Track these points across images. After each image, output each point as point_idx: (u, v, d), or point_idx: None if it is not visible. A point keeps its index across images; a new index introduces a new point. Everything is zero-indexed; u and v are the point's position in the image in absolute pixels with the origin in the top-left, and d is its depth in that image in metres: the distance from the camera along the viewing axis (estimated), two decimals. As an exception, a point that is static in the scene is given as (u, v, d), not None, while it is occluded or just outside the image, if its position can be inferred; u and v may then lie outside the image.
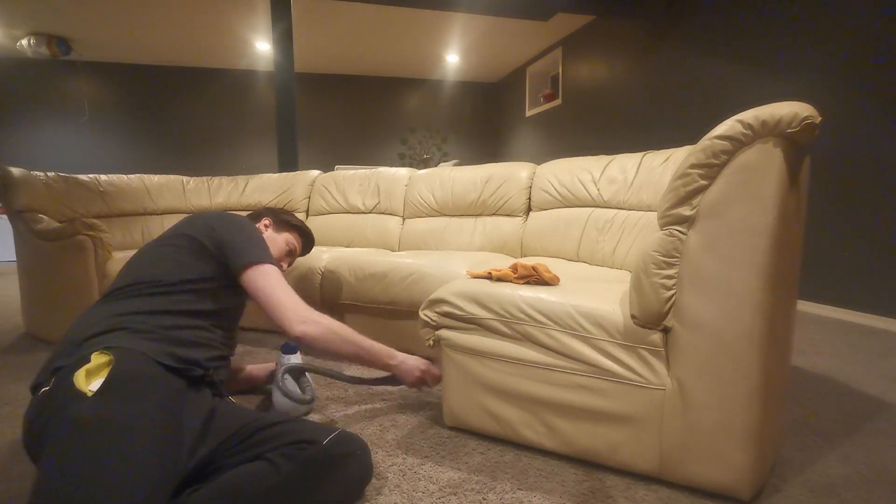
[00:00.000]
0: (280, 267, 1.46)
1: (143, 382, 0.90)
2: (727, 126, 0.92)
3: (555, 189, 2.18)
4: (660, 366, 1.03)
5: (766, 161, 0.91)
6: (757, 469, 0.98)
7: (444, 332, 1.29)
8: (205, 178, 3.08)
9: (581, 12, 4.59)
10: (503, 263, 1.75)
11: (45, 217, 2.22)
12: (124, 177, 2.82)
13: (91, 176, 2.69)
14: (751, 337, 0.94)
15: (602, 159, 2.07)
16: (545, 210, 2.23)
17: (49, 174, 2.48)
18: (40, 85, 6.10)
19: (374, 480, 1.08)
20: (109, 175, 2.77)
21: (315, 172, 2.99)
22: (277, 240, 1.58)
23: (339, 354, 1.26)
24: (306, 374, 1.42)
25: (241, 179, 3.05)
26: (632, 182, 1.88)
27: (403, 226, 2.63)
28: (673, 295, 1.00)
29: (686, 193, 0.96)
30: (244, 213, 1.56)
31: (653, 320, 1.02)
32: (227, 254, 1.21)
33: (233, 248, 1.22)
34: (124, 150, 6.45)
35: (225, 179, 3.07)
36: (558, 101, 5.78)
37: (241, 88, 6.78)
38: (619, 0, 4.23)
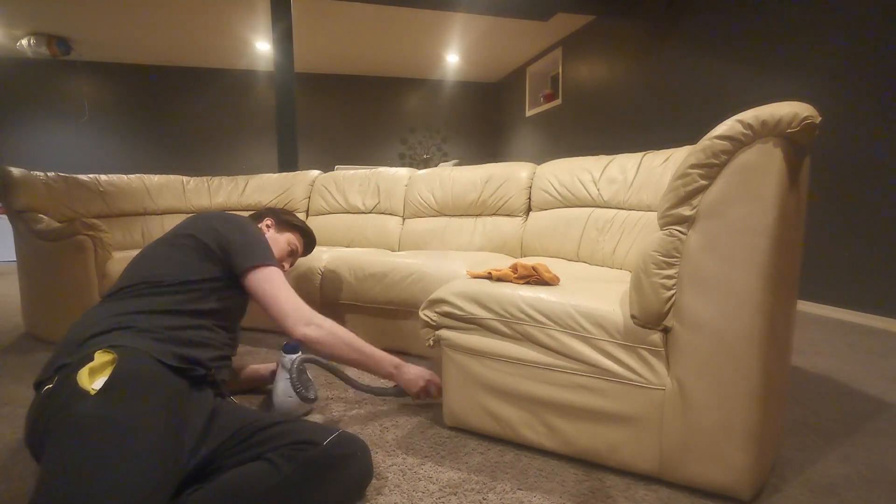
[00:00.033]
0: (282, 267, 1.46)
1: (145, 381, 0.90)
2: (727, 126, 0.92)
3: (555, 189, 2.18)
4: (660, 366, 1.03)
5: (766, 161, 0.91)
6: (757, 469, 0.98)
7: (444, 332, 1.29)
8: (205, 178, 3.08)
9: (581, 12, 4.59)
10: (503, 263, 1.75)
11: (45, 217, 2.22)
12: (124, 177, 2.82)
13: (91, 176, 2.69)
14: (751, 337, 0.94)
15: (602, 159, 2.07)
16: (545, 210, 2.23)
17: (49, 174, 2.48)
18: (40, 85, 6.10)
19: (374, 480, 1.08)
20: (109, 175, 2.77)
21: (315, 172, 2.99)
22: (279, 240, 1.58)
23: (340, 358, 1.26)
24: (307, 374, 1.42)
25: (241, 179, 3.05)
26: (632, 182, 1.88)
27: (403, 226, 2.63)
28: (673, 295, 1.00)
29: (686, 193, 0.96)
30: (244, 214, 1.56)
31: (653, 320, 1.02)
32: (231, 255, 1.22)
33: (236, 250, 1.22)
34: (124, 150, 6.45)
35: (225, 179, 3.07)
36: (558, 101, 5.77)
37: (241, 88, 6.78)
38: (619, 0, 4.23)
